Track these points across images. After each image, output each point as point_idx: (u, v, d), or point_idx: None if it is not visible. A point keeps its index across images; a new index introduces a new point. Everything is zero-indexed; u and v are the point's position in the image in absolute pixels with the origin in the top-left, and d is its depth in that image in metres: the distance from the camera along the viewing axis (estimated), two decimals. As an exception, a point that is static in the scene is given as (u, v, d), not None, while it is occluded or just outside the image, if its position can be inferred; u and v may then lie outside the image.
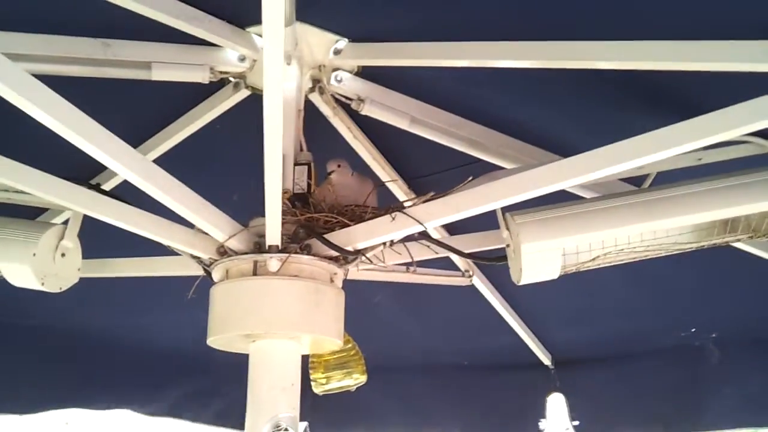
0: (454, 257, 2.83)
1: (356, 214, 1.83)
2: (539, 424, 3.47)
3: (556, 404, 3.48)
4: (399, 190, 2.47)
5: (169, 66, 1.91)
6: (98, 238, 2.06)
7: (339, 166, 1.92)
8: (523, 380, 3.60)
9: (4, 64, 1.24)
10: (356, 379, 2.28)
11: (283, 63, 1.31)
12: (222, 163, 2.46)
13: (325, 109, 2.15)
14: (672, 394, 3.33)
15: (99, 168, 2.20)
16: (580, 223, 1.77)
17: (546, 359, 3.51)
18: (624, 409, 3.45)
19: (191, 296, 1.96)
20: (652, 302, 3.11)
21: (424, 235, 1.96)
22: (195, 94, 2.17)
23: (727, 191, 1.75)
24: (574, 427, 3.39)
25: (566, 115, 2.17)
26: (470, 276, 2.87)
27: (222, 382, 3.37)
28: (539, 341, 3.43)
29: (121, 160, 1.45)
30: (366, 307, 3.23)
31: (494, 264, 2.01)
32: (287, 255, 1.70)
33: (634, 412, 3.41)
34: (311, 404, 3.41)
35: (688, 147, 1.48)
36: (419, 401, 3.81)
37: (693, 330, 3.20)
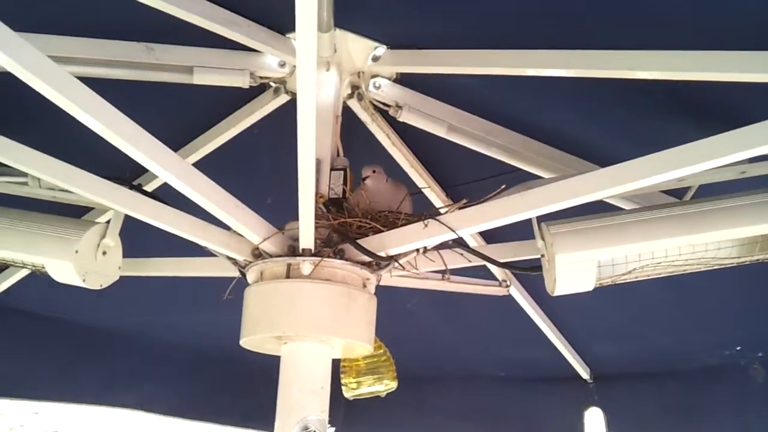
0: (492, 266, 2.81)
1: (389, 220, 1.84)
2: (575, 436, 3.42)
3: (594, 419, 3.42)
4: (436, 197, 2.46)
5: (210, 70, 1.95)
6: (139, 239, 2.12)
7: (374, 171, 1.93)
8: (561, 393, 3.55)
9: (49, 66, 1.28)
10: (387, 384, 2.28)
11: (315, 67, 1.31)
12: (261, 167, 2.50)
13: (364, 116, 2.17)
14: (715, 415, 3.24)
15: (142, 169, 2.26)
16: (616, 234, 1.74)
17: (584, 373, 3.45)
18: (663, 427, 3.37)
19: (227, 297, 1.99)
20: (695, 318, 3.03)
21: (458, 243, 1.95)
22: (236, 99, 2.22)
23: (769, 206, 1.70)
24: (611, 443, 3.33)
25: (605, 125, 2.14)
26: (507, 286, 2.84)
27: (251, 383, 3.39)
28: (577, 354, 3.37)
29: (161, 163, 1.49)
30: (401, 315, 3.23)
31: (529, 273, 1.99)
32: (320, 259, 1.72)
33: (671, 430, 3.33)
34: (344, 412, 3.42)
35: (729, 159, 1.44)
36: (453, 412, 3.79)
37: (738, 348, 3.10)
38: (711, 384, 3.22)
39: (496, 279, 2.88)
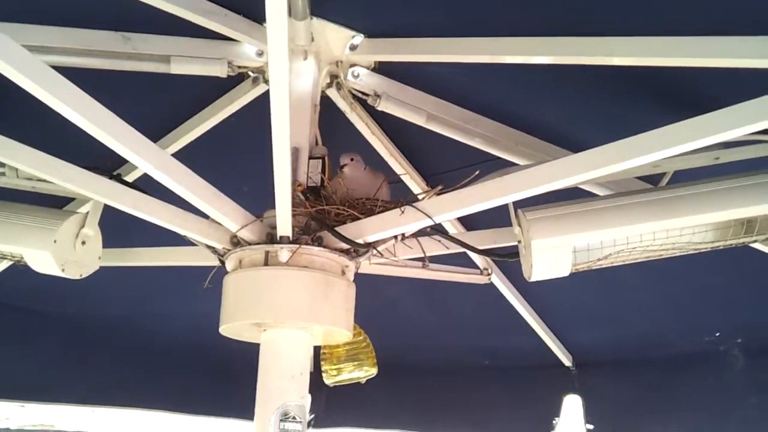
0: (473, 256, 2.83)
1: (367, 208, 1.85)
2: (552, 421, 3.45)
3: (573, 405, 3.45)
4: (416, 186, 2.47)
5: (187, 60, 1.94)
6: (121, 230, 2.12)
7: (352, 159, 1.94)
8: (543, 381, 3.58)
9: (23, 55, 1.28)
10: (367, 371, 2.30)
11: (286, 53, 1.31)
12: (240, 156, 2.50)
13: (343, 105, 2.17)
14: (694, 402, 3.28)
15: (123, 160, 2.26)
16: (592, 220, 1.76)
17: (567, 360, 3.49)
18: (642, 414, 3.40)
19: (207, 286, 1.99)
20: (675, 305, 3.07)
21: (436, 230, 1.97)
22: (214, 89, 2.21)
23: (744, 191, 1.72)
24: (588, 430, 3.36)
25: (582, 113, 2.16)
26: (489, 274, 2.87)
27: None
28: (560, 342, 3.41)
29: (139, 153, 1.50)
30: (383, 303, 3.25)
31: (507, 260, 2.01)
32: (297, 246, 1.73)
33: (651, 419, 3.36)
34: (326, 400, 3.44)
35: (702, 143, 1.46)
36: (435, 400, 3.81)
37: (717, 334, 3.14)
38: (690, 370, 3.25)
39: (477, 267, 2.90)
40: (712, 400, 3.22)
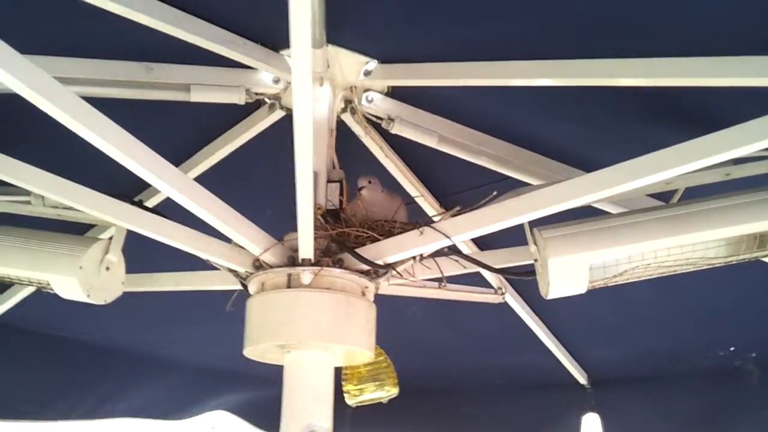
0: (487, 275, 2.86)
1: (386, 229, 1.88)
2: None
3: (591, 424, 3.45)
4: (429, 207, 2.51)
5: (207, 88, 1.99)
6: (141, 256, 2.16)
7: (369, 182, 1.98)
8: (559, 400, 3.58)
9: (56, 88, 1.33)
10: (388, 391, 2.32)
11: (311, 82, 1.36)
12: (257, 181, 2.55)
13: (357, 129, 2.22)
14: (709, 417, 3.28)
15: (142, 186, 2.31)
16: (607, 237, 1.79)
17: (582, 378, 3.50)
18: (659, 430, 3.40)
19: (229, 309, 2.03)
20: (689, 320, 3.08)
21: (453, 250, 2.00)
22: (232, 116, 2.27)
23: (756, 206, 1.75)
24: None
25: (593, 133, 2.20)
26: (503, 293, 2.89)
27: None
28: (575, 360, 3.42)
29: (163, 177, 1.54)
30: (398, 327, 3.28)
31: (523, 279, 2.03)
32: (319, 268, 1.76)
33: (665, 425, 3.36)
34: (350, 422, 3.46)
35: (713, 160, 1.49)
36: (451, 420, 3.82)
37: (732, 349, 3.15)
38: (705, 386, 3.25)
39: (491, 287, 2.93)
40: (729, 415, 3.22)
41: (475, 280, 2.88)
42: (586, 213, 1.91)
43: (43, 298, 2.54)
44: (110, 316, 2.71)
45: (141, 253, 2.12)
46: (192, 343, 3.46)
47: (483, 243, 2.74)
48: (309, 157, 1.51)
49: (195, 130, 2.31)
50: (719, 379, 3.21)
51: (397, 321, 3.17)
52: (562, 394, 3.57)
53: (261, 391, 3.80)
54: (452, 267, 2.11)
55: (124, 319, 2.91)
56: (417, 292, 2.47)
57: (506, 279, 2.93)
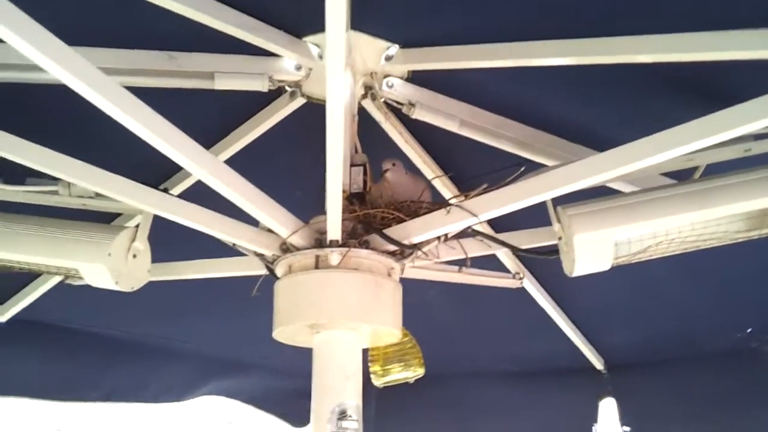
0: (505, 260, 2.88)
1: (411, 210, 1.90)
2: (592, 429, 3.47)
3: (608, 409, 3.47)
4: (448, 192, 2.53)
5: (230, 75, 2.01)
6: (163, 247, 2.19)
7: (394, 164, 2.00)
8: (576, 385, 3.59)
9: (99, 77, 1.36)
10: (414, 371, 2.34)
11: (343, 67, 1.38)
12: (278, 169, 2.57)
13: (377, 115, 2.24)
14: (727, 400, 3.29)
15: (164, 177, 2.34)
16: (631, 213, 1.81)
17: (599, 363, 3.51)
18: (676, 414, 3.41)
19: (255, 294, 2.05)
20: (705, 302, 3.08)
21: (477, 231, 2.02)
22: (249, 105, 2.29)
23: (777, 179, 1.77)
24: (625, 432, 3.38)
25: (612, 113, 2.22)
26: (521, 278, 2.91)
27: None
28: (591, 345, 3.43)
29: (197, 161, 1.56)
30: (415, 313, 3.30)
31: (546, 258, 2.05)
32: (347, 249, 1.78)
33: (685, 418, 3.37)
34: (375, 405, 3.50)
35: (732, 134, 1.51)
36: (468, 408, 3.84)
37: (749, 330, 3.16)
38: (723, 369, 3.26)
39: (509, 272, 2.95)
40: (747, 398, 3.23)
41: (492, 266, 2.90)
42: (601, 194, 1.93)
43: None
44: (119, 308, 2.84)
45: (162, 245, 2.15)
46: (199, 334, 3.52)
47: (499, 226, 2.76)
48: (340, 140, 1.54)
49: (214, 120, 2.33)
50: (736, 362, 3.21)
51: (414, 306, 3.19)
52: (578, 379, 3.57)
53: (264, 379, 3.88)
54: (475, 248, 2.13)
55: (133, 311, 2.96)
56: (436, 275, 2.49)
57: (523, 264, 2.95)
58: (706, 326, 3.21)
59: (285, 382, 3.81)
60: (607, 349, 3.50)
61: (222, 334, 3.50)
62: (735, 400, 3.27)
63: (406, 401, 3.28)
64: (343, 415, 1.70)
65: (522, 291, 3.05)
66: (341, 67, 1.38)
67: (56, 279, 2.62)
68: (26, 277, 2.74)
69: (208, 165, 1.59)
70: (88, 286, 2.46)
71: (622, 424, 3.41)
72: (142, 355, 3.39)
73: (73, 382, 3.12)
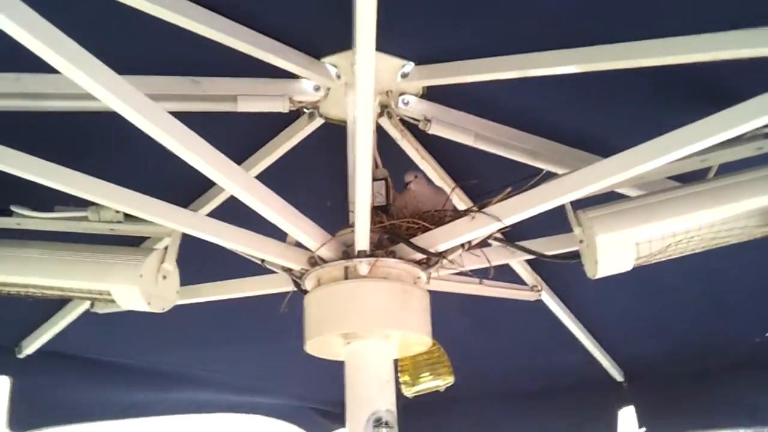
0: (522, 273, 2.92)
1: (436, 219, 1.95)
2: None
3: (628, 418, 3.47)
4: (464, 205, 2.57)
5: (252, 98, 2.07)
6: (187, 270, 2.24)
7: (416, 176, 2.05)
8: (594, 397, 3.59)
9: (147, 104, 1.44)
10: (445, 379, 2.36)
11: (373, 85, 1.44)
12: (297, 188, 2.61)
13: (394, 132, 2.29)
14: (745, 407, 3.30)
15: (188, 200, 2.39)
16: (651, 212, 1.86)
17: (618, 375, 3.52)
18: (696, 425, 3.42)
19: (283, 310, 2.08)
20: (721, 308, 3.11)
21: (500, 239, 2.06)
22: (267, 129, 2.34)
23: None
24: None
25: (623, 122, 2.27)
26: (539, 291, 2.94)
27: None
28: (609, 356, 3.44)
29: (231, 177, 1.61)
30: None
31: (569, 262, 2.08)
32: (376, 259, 1.82)
33: (703, 417, 3.37)
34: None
35: (740, 130, 1.56)
36: (487, 424, 3.84)
37: (767, 335, 3.17)
38: (741, 375, 3.27)
39: (526, 285, 2.98)
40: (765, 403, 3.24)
41: (508, 279, 2.93)
42: (610, 200, 1.98)
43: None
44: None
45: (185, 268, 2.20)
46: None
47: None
48: (369, 155, 1.60)
49: (234, 145, 2.38)
50: (754, 368, 3.22)
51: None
52: (597, 391, 3.57)
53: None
54: (497, 257, 2.17)
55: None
56: (457, 287, 2.52)
57: (540, 276, 2.99)
58: (722, 334, 3.22)
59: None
60: (625, 360, 3.50)
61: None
62: (753, 408, 3.28)
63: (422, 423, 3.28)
64: (378, 422, 1.72)
65: (536, 306, 3.07)
66: (371, 85, 1.44)
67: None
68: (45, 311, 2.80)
69: (241, 180, 1.64)
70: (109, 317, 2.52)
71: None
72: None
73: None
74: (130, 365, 3.22)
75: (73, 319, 2.69)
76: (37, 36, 1.22)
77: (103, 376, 3.09)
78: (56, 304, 2.74)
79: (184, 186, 2.32)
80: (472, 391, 3.65)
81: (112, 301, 2.03)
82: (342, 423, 3.99)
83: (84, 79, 1.30)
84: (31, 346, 2.82)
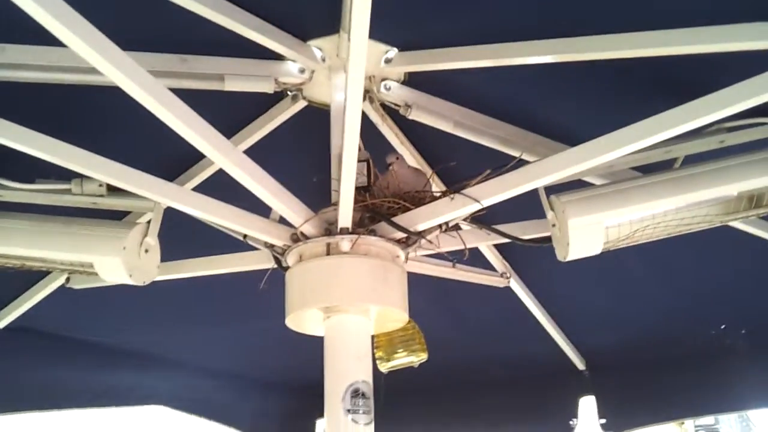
0: (492, 260, 3.00)
1: (417, 199, 2.01)
2: (570, 423, 3.58)
3: (588, 406, 3.59)
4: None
5: (239, 78, 2.10)
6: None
7: (397, 158, 2.11)
8: (557, 385, 3.71)
9: (147, 78, 1.47)
10: (419, 356, 2.44)
11: (364, 67, 1.48)
12: (278, 169, 2.65)
13: (374, 117, 2.34)
14: (704, 398, 3.46)
15: (173, 176, 2.42)
16: (621, 198, 1.95)
17: (580, 364, 3.63)
18: (655, 413, 3.55)
19: (262, 288, 2.13)
20: (681, 300, 3.23)
21: (478, 221, 2.14)
22: (249, 110, 2.38)
23: (751, 165, 1.94)
24: (601, 425, 3.50)
25: (595, 114, 2.36)
26: (508, 278, 3.03)
27: None
28: (572, 345, 3.56)
29: (221, 150, 1.65)
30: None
31: (542, 245, 2.17)
32: (357, 236, 1.88)
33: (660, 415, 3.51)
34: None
35: (703, 121, 1.65)
36: (450, 410, 3.94)
37: (723, 327, 3.30)
38: (698, 366, 3.41)
39: (495, 271, 3.06)
40: (722, 394, 3.39)
41: (479, 266, 3.02)
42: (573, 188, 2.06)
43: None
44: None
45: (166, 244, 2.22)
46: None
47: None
48: (356, 135, 1.63)
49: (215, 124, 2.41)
50: (711, 359, 3.36)
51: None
52: (559, 379, 3.69)
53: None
54: (473, 240, 2.24)
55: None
56: (430, 269, 2.59)
57: (510, 264, 3.08)
58: (681, 325, 3.36)
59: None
60: (588, 349, 3.62)
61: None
62: (709, 397, 3.44)
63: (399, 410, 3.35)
64: (356, 393, 1.78)
65: (505, 294, 3.16)
66: (362, 69, 1.48)
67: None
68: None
69: (231, 155, 1.68)
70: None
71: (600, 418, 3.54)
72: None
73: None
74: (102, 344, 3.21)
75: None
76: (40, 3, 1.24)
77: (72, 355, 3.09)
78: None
79: (165, 163, 2.34)
80: (437, 379, 3.74)
81: (94, 273, 2.05)
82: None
83: (84, 49, 1.32)
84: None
